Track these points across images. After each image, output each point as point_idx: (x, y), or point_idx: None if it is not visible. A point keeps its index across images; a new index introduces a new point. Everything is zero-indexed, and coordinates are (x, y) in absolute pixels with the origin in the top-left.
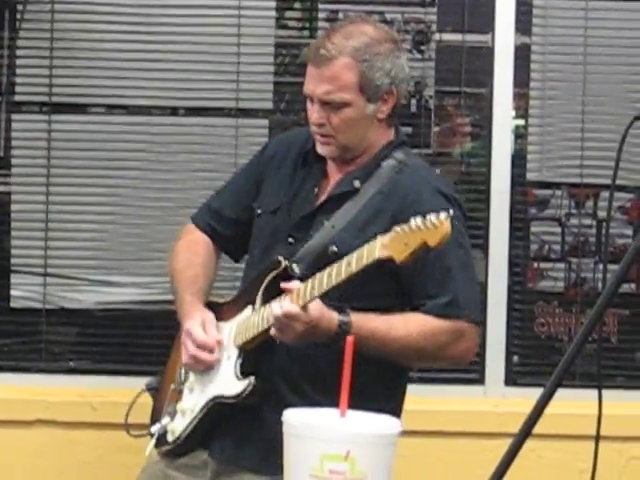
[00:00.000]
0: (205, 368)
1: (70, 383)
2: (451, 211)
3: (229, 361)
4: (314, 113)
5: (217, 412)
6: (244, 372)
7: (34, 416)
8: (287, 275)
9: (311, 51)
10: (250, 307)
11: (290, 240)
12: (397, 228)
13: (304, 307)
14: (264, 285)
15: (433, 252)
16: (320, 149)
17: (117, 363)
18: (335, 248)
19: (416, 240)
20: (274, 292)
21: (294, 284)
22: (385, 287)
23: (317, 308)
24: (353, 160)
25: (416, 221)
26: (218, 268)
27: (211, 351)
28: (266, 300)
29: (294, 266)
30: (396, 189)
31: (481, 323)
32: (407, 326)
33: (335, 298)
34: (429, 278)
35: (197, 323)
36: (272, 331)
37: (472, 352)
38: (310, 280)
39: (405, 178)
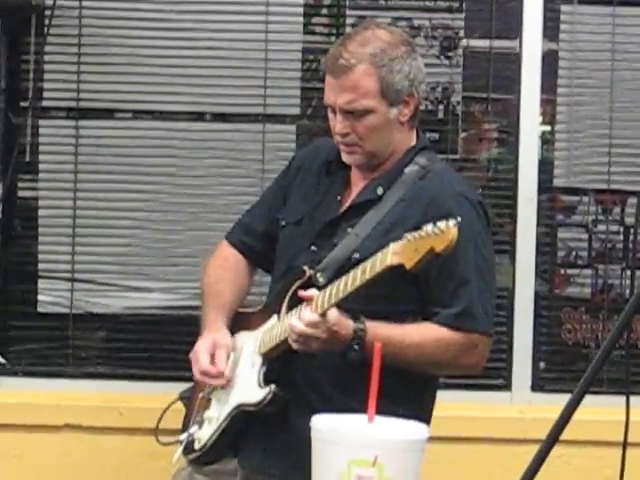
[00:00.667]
0: (210, 390)
1: (97, 388)
2: (459, 218)
3: (253, 369)
4: (337, 123)
5: (241, 420)
6: (267, 380)
7: (61, 421)
8: (311, 284)
9: (329, 61)
10: (275, 316)
11: (313, 248)
12: (408, 235)
13: (323, 314)
14: (289, 294)
15: (451, 258)
16: (346, 158)
17: (144, 368)
18: (358, 256)
19: (425, 246)
20: (298, 301)
21: (312, 292)
22: (405, 292)
23: (335, 315)
24: (378, 167)
25: (426, 228)
26: (252, 283)
27: (214, 377)
28: (290, 309)
29: (318, 275)
30: (419, 196)
31: (493, 334)
32: (421, 334)
33: (357, 301)
34: (445, 286)
35: (205, 348)
36: (294, 345)
37: (482, 364)
38: (328, 288)
39: (428, 184)
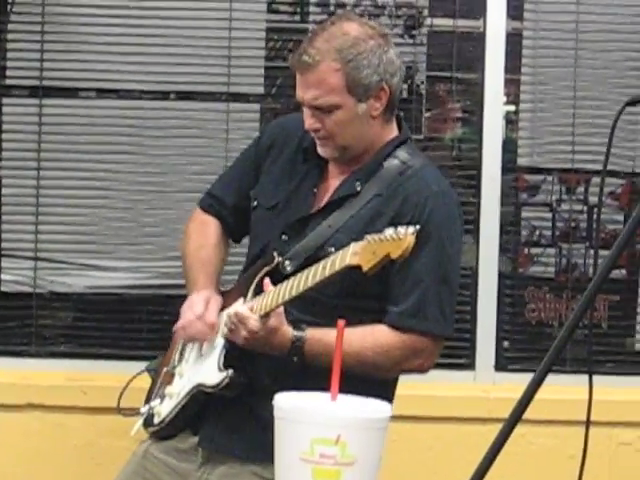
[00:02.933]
0: (192, 339)
1: (60, 367)
2: (418, 226)
3: (215, 350)
4: (307, 119)
5: (200, 399)
6: (226, 364)
7: (24, 400)
8: (279, 271)
9: (294, 58)
10: (241, 300)
11: (284, 237)
12: (369, 237)
13: (266, 315)
14: (256, 280)
15: (412, 257)
16: (320, 151)
17: (107, 347)
18: (332, 249)
19: (382, 251)
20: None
21: (269, 286)
22: (378, 288)
23: (275, 320)
24: (355, 160)
25: (388, 231)
26: (229, 250)
27: (206, 325)
28: (257, 294)
29: (286, 263)
30: (397, 192)
31: (445, 337)
32: (362, 342)
33: (332, 295)
34: (401, 283)
35: (201, 298)
36: (225, 329)
37: (428, 366)
38: (285, 282)
39: (406, 180)
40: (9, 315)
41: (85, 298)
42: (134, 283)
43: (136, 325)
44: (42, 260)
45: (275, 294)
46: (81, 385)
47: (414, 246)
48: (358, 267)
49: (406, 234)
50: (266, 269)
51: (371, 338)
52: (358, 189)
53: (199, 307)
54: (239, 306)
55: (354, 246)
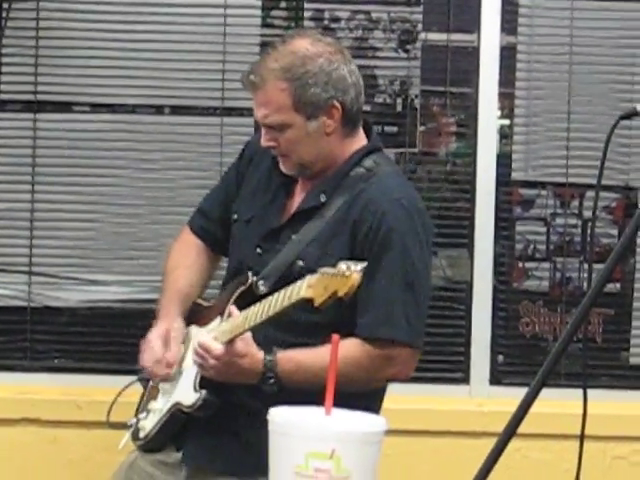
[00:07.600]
0: (159, 380)
1: (55, 381)
2: (365, 263)
3: (193, 368)
4: (263, 136)
5: (179, 417)
6: (202, 384)
7: (19, 415)
8: (253, 291)
9: (244, 77)
10: (219, 318)
11: (258, 251)
12: (322, 270)
13: (230, 341)
14: (232, 300)
15: (376, 267)
16: (281, 167)
17: (102, 361)
18: (302, 263)
19: (332, 287)
20: (241, 307)
21: (234, 312)
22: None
23: (242, 344)
24: (319, 174)
25: (340, 266)
26: (217, 267)
27: (167, 366)
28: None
29: (260, 283)
30: (358, 198)
31: (419, 346)
32: None
33: (304, 310)
34: (366, 294)
35: (158, 335)
36: (194, 360)
37: (404, 374)
38: (249, 310)
39: (369, 187)
40: (3, 329)
41: (79, 312)
42: (128, 297)
43: (130, 339)
44: (36, 274)
45: (239, 321)
46: (76, 399)
47: (377, 256)
48: (311, 300)
49: (352, 272)
50: (240, 289)
51: (340, 350)
52: (322, 200)
53: (158, 348)
54: (201, 336)
55: (309, 279)
